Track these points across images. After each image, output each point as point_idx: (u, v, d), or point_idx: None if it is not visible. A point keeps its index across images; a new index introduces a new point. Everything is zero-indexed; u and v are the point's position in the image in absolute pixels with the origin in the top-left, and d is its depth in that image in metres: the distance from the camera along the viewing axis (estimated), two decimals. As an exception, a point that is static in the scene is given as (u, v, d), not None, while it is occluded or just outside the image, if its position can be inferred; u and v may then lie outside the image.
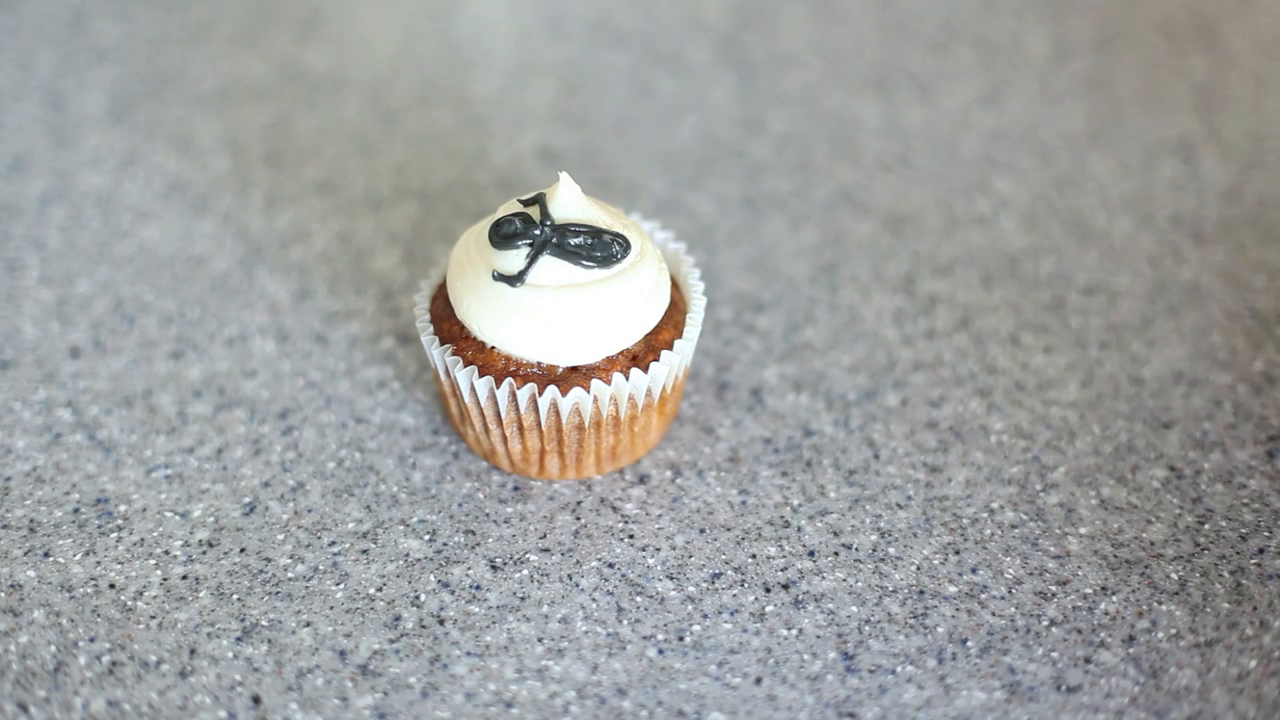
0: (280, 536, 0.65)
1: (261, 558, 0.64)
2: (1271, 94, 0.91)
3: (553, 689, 0.60)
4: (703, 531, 0.66)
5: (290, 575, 0.64)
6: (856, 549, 0.65)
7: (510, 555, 0.65)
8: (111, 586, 0.63)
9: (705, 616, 0.62)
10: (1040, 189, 0.84)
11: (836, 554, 0.65)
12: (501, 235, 0.63)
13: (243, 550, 0.65)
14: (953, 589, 0.63)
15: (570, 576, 0.64)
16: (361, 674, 0.60)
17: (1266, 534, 0.65)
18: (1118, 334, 0.75)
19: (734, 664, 0.60)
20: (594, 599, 0.63)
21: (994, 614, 0.62)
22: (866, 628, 0.62)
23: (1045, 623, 0.62)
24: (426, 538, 0.65)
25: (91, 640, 0.61)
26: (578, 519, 0.66)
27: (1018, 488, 0.67)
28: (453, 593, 0.63)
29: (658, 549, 0.65)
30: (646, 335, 0.64)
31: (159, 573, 0.64)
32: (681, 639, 0.61)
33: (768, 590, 0.63)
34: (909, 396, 0.72)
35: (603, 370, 0.63)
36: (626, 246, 0.63)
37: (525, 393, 0.63)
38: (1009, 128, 0.88)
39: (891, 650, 0.61)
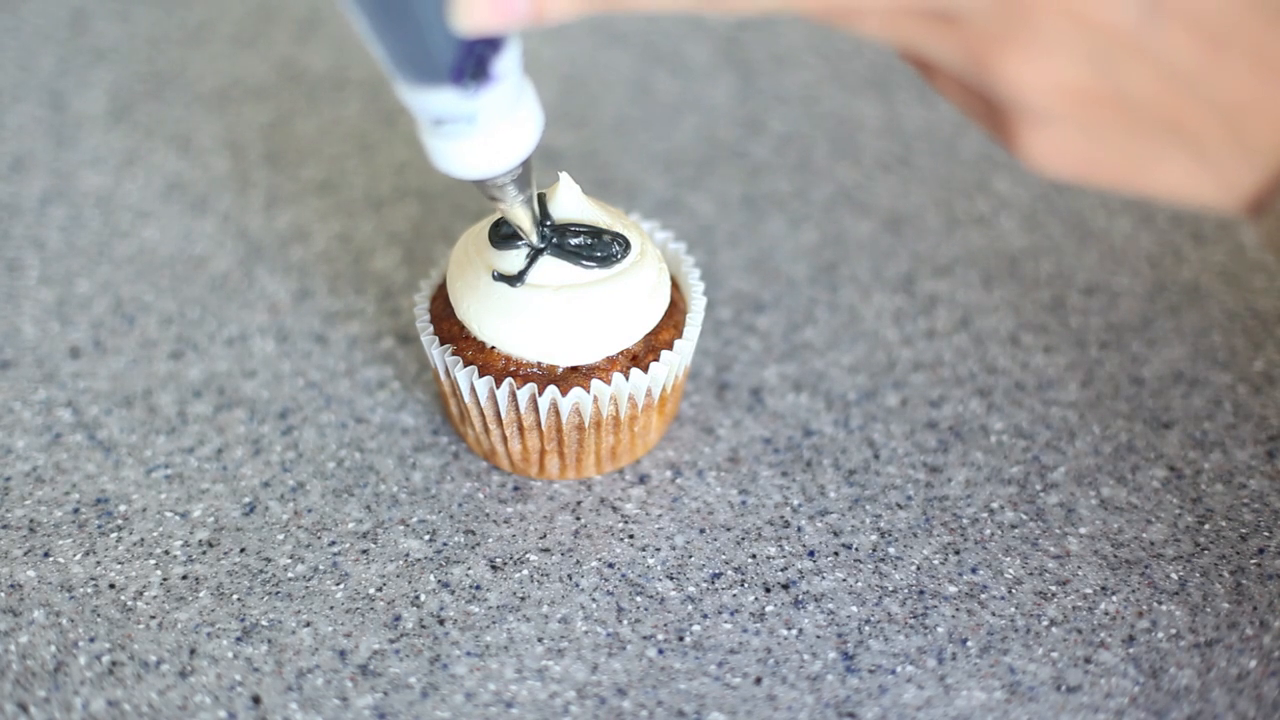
0: (280, 536, 0.65)
1: (261, 558, 0.64)
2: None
3: (553, 689, 0.60)
4: (703, 531, 0.66)
5: (290, 575, 0.64)
6: (856, 549, 0.65)
7: (510, 555, 0.65)
8: (111, 586, 0.63)
9: (705, 616, 0.62)
10: (1040, 189, 0.84)
11: (836, 554, 0.65)
12: (501, 235, 0.63)
13: (243, 550, 0.65)
14: (953, 589, 0.63)
15: (570, 576, 0.64)
16: (361, 674, 0.60)
17: (1266, 534, 0.65)
18: (1118, 334, 0.75)
19: (734, 664, 0.60)
20: (594, 599, 0.63)
21: (994, 614, 0.62)
22: (866, 628, 0.62)
23: (1045, 623, 0.62)
24: (426, 538, 0.65)
25: (91, 640, 0.61)
26: (578, 519, 0.66)
27: (1018, 488, 0.67)
28: (453, 593, 0.63)
29: (658, 549, 0.65)
30: (646, 335, 0.64)
31: (159, 573, 0.64)
32: (681, 639, 0.61)
33: (768, 590, 0.63)
34: (909, 396, 0.72)
35: (603, 370, 0.63)
36: (626, 246, 0.63)
37: (525, 393, 0.63)
38: (1009, 128, 0.88)
39: (891, 650, 0.61)
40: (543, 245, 0.62)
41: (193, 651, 0.61)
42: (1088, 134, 0.47)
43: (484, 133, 0.53)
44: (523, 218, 0.60)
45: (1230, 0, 0.44)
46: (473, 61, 0.49)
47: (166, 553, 0.65)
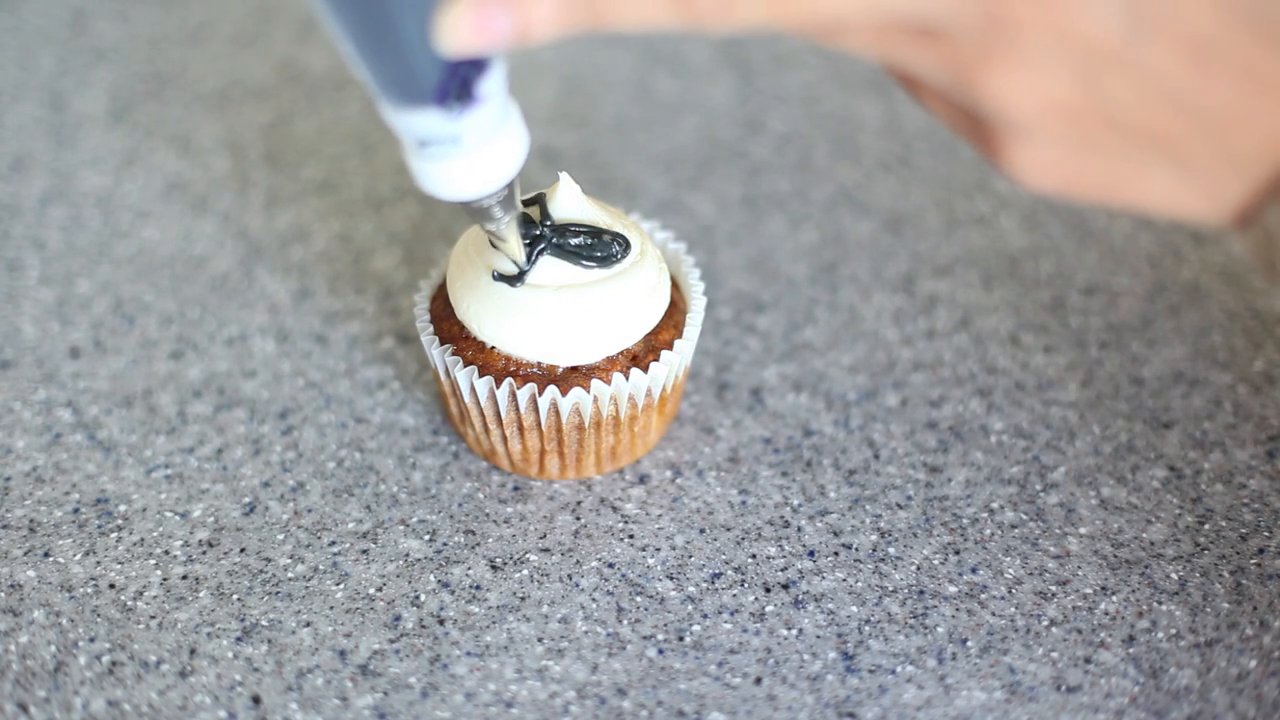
0: (280, 536, 0.65)
1: (261, 558, 0.64)
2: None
3: (553, 689, 0.60)
4: (703, 531, 0.66)
5: (290, 575, 0.64)
6: (856, 549, 0.65)
7: (510, 555, 0.65)
8: (111, 586, 0.63)
9: (705, 616, 0.62)
10: (1040, 189, 0.84)
11: (836, 554, 0.65)
12: (501, 235, 0.63)
13: (243, 550, 0.65)
14: (953, 589, 0.63)
15: (570, 576, 0.64)
16: (361, 674, 0.60)
17: (1266, 534, 0.65)
18: (1118, 334, 0.75)
19: (734, 664, 0.60)
20: (594, 599, 0.63)
21: (994, 614, 0.62)
22: (866, 628, 0.62)
23: (1045, 623, 0.62)
24: (426, 538, 0.65)
25: (91, 640, 0.61)
26: (578, 519, 0.66)
27: (1018, 488, 0.67)
28: (453, 593, 0.63)
29: (658, 549, 0.65)
30: (646, 335, 0.64)
31: (159, 573, 0.64)
32: (681, 639, 0.61)
33: (768, 590, 0.63)
34: (909, 396, 0.72)
35: (603, 370, 0.63)
36: (626, 246, 0.63)
37: (525, 393, 0.63)
38: (1009, 128, 0.88)
39: (891, 650, 0.61)
40: (528, 267, 0.62)
41: (193, 651, 0.61)
42: (1074, 149, 0.47)
43: (469, 154, 0.53)
44: (510, 238, 0.60)
45: (1215, 14, 0.44)
46: (457, 83, 0.49)
47: (166, 553, 0.65)
